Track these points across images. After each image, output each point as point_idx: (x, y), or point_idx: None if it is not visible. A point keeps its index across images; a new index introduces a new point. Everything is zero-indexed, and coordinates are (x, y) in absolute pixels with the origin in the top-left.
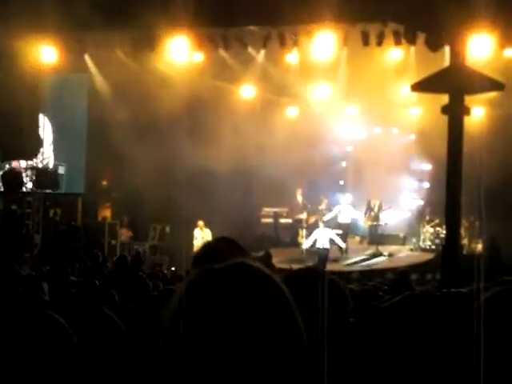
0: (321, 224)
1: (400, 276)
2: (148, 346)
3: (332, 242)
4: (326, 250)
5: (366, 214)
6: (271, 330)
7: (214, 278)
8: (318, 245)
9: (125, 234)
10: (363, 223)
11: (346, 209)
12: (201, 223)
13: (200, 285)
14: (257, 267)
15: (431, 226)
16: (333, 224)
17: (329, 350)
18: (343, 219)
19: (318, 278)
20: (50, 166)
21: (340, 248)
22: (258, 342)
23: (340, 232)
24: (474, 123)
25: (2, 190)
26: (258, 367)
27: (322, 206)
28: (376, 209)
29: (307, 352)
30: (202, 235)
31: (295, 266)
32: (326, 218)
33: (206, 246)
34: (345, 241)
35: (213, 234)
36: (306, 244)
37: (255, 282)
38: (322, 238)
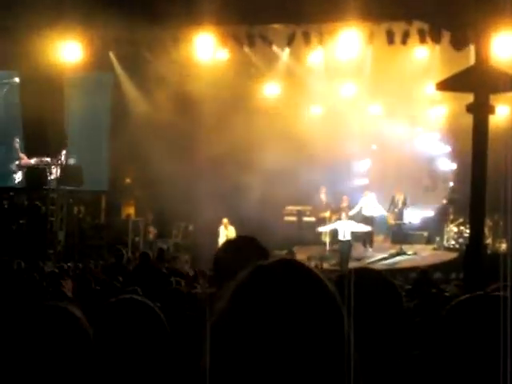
0: (343, 215)
1: (421, 275)
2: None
3: (354, 235)
4: (348, 241)
5: (389, 209)
6: (319, 324)
7: (268, 276)
8: (340, 236)
9: (152, 231)
10: (386, 218)
11: (371, 202)
12: (225, 221)
13: (254, 282)
14: (305, 265)
15: (455, 225)
16: (358, 218)
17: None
18: (368, 212)
19: (372, 277)
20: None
21: (364, 240)
22: (306, 335)
23: (368, 228)
24: (499, 122)
25: (27, 186)
26: (308, 362)
27: (344, 204)
28: (400, 204)
29: (350, 347)
30: (226, 233)
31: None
32: (352, 212)
33: (227, 245)
34: (371, 234)
35: (236, 232)
36: (323, 228)
37: (306, 278)
38: (344, 229)
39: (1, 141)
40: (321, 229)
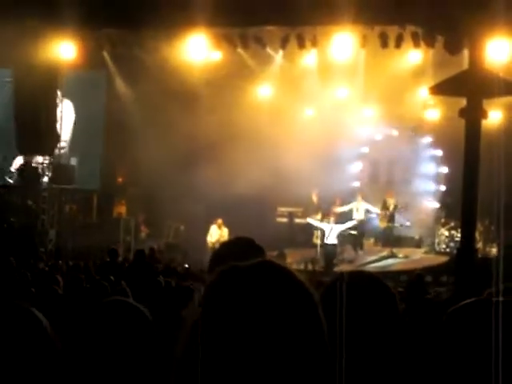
0: (331, 219)
1: (415, 279)
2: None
3: (343, 237)
4: (334, 245)
5: (381, 213)
6: (295, 328)
7: (239, 276)
8: (325, 239)
9: (143, 231)
10: (378, 221)
11: (361, 206)
12: (219, 221)
13: (225, 283)
14: (282, 266)
15: (446, 229)
16: (347, 221)
17: (383, 351)
18: (358, 216)
19: (367, 280)
20: (66, 160)
21: (354, 243)
22: (281, 340)
23: (353, 222)
24: (491, 126)
25: (19, 184)
26: (281, 365)
27: (336, 207)
28: (391, 208)
29: (328, 350)
30: (219, 233)
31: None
32: (341, 209)
33: (224, 246)
34: (361, 237)
35: (229, 234)
36: (312, 221)
37: (281, 280)
38: (331, 232)
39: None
40: (310, 220)
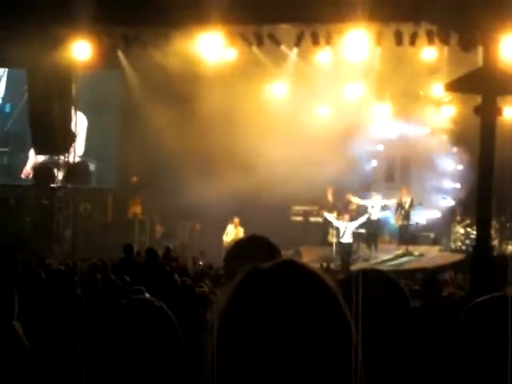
0: (346, 216)
1: (429, 276)
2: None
3: (359, 235)
4: (349, 244)
5: (396, 211)
6: (321, 329)
7: (265, 279)
8: (341, 238)
9: (158, 230)
10: (394, 219)
11: (377, 202)
12: (236, 220)
13: (250, 285)
14: (306, 267)
15: (462, 227)
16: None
17: (393, 352)
18: (374, 213)
19: (379, 278)
20: (82, 161)
21: (369, 241)
22: (308, 341)
23: (366, 217)
24: (506, 124)
25: (34, 184)
26: (308, 366)
27: (352, 205)
28: (407, 206)
29: (357, 350)
30: (235, 232)
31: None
32: (355, 199)
33: (239, 244)
34: (376, 235)
35: (245, 233)
36: (329, 216)
37: (306, 281)
38: (345, 231)
39: (20, 144)
40: (326, 214)
